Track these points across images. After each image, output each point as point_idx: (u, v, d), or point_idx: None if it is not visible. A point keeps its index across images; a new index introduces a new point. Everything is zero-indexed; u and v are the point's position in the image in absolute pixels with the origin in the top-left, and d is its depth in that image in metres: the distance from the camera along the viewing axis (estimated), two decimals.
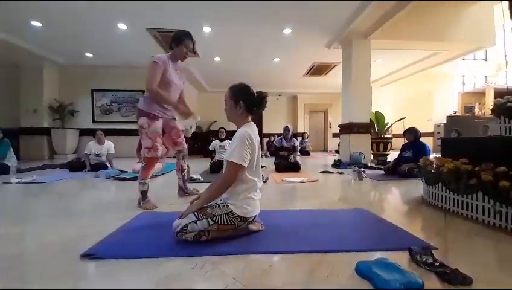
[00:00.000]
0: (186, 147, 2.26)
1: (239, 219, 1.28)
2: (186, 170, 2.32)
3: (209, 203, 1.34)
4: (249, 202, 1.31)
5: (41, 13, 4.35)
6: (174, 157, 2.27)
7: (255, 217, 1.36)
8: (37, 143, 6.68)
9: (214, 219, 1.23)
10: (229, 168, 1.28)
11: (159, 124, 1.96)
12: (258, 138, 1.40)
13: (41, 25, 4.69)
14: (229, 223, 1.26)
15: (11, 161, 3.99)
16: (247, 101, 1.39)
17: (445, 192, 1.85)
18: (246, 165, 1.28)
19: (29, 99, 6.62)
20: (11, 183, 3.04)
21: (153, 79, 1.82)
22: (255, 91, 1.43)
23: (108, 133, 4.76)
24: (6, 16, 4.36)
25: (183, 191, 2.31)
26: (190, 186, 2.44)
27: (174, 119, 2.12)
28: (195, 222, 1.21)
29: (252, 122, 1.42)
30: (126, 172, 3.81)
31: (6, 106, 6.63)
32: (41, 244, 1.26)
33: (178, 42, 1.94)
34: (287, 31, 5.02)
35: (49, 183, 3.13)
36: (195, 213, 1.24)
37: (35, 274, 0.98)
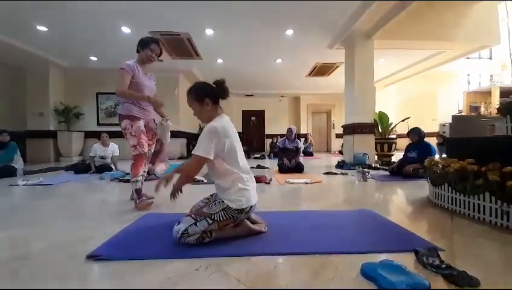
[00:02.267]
0: (151, 151, 2.28)
1: (236, 212, 1.28)
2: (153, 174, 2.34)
3: (205, 203, 1.36)
4: (242, 193, 1.31)
5: (46, 18, 4.42)
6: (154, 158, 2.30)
7: (251, 207, 1.34)
8: (43, 146, 6.77)
9: (212, 217, 1.24)
10: (192, 160, 1.31)
11: (140, 123, 2.04)
12: (234, 128, 1.40)
13: (46, 29, 4.77)
14: (228, 217, 1.27)
15: (18, 163, 4.05)
16: (211, 95, 1.39)
17: (452, 193, 1.83)
18: (211, 158, 1.27)
19: (35, 103, 6.73)
20: (17, 185, 3.08)
21: (121, 83, 1.92)
22: (211, 83, 1.43)
23: (113, 135, 4.81)
24: (12, 20, 4.44)
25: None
26: (193, 187, 2.45)
27: (154, 121, 2.21)
28: (195, 224, 1.21)
29: (223, 114, 1.42)
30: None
31: (13, 109, 6.73)
32: (47, 246, 1.27)
33: (144, 46, 2.03)
34: (289, 32, 5.03)
35: (55, 185, 3.17)
36: (193, 216, 1.25)
37: (42, 275, 0.99)
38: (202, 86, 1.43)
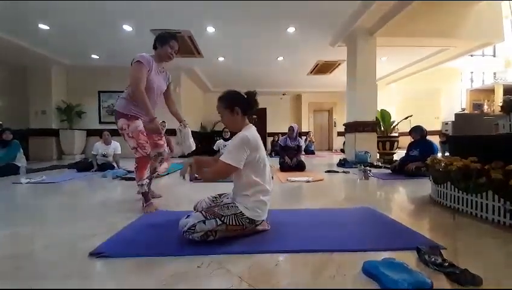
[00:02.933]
0: (166, 150, 2.19)
1: (248, 221, 1.28)
2: (156, 174, 2.25)
3: (217, 203, 1.35)
4: (260, 206, 1.32)
5: (48, 16, 4.42)
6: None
7: (263, 221, 1.36)
8: (46, 144, 6.81)
9: (222, 219, 1.23)
10: (221, 167, 1.29)
11: (138, 122, 1.88)
12: (260, 140, 1.40)
13: (48, 27, 4.78)
14: (238, 223, 1.26)
15: (21, 161, 4.08)
16: (242, 105, 1.39)
17: (454, 191, 1.82)
18: (241, 167, 1.28)
19: (37, 101, 6.77)
20: (20, 183, 3.10)
21: (140, 80, 1.75)
22: (243, 93, 1.43)
23: (115, 133, 4.81)
24: (14, 19, 4.45)
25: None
26: (197, 185, 2.45)
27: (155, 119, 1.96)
28: (204, 221, 1.21)
29: (251, 124, 1.43)
30: (133, 172, 3.84)
31: (15, 107, 6.77)
32: (50, 243, 1.28)
33: (163, 42, 1.87)
34: (291, 29, 5.00)
35: (58, 183, 3.19)
36: (203, 213, 1.25)
37: (45, 273, 1.00)
38: (234, 94, 1.42)
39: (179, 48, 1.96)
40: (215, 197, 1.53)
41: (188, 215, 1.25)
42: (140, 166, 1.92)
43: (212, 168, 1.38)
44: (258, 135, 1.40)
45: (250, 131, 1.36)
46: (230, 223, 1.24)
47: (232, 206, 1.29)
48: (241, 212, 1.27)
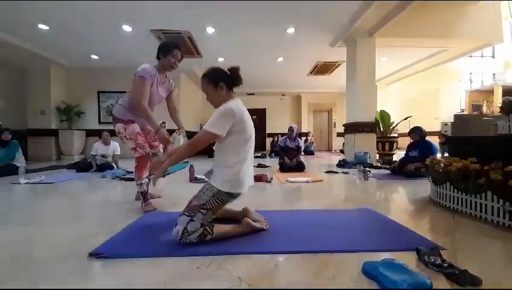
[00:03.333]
0: (161, 150, 2.23)
1: (227, 195, 1.29)
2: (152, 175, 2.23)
3: (194, 195, 1.30)
4: (237, 177, 1.31)
5: (47, 17, 4.42)
6: None
7: (240, 194, 1.36)
8: (45, 144, 6.80)
9: (204, 207, 1.24)
10: (203, 134, 1.28)
11: (135, 125, 1.94)
12: (247, 112, 1.40)
13: (47, 28, 4.77)
14: (219, 202, 1.28)
15: (20, 161, 4.07)
16: (226, 81, 1.40)
17: (454, 192, 1.82)
18: (223, 135, 1.27)
19: (36, 101, 6.75)
20: (19, 183, 3.09)
21: (143, 96, 1.76)
22: (226, 70, 1.44)
23: (114, 134, 4.80)
24: (13, 19, 4.44)
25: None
26: (197, 185, 2.44)
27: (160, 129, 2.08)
28: (191, 220, 1.21)
29: (237, 98, 1.42)
30: (132, 172, 3.84)
31: (14, 107, 6.75)
32: (49, 244, 1.28)
33: (166, 52, 1.87)
34: (291, 30, 5.00)
35: (57, 183, 3.18)
36: (187, 213, 1.24)
37: (44, 273, 1.00)
38: (217, 70, 1.44)
39: (182, 55, 1.94)
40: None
41: (176, 224, 1.24)
42: (140, 165, 1.95)
43: (189, 141, 1.34)
44: (245, 108, 1.39)
45: (235, 103, 1.35)
46: (213, 206, 1.25)
47: (207, 189, 1.29)
48: (218, 190, 1.27)
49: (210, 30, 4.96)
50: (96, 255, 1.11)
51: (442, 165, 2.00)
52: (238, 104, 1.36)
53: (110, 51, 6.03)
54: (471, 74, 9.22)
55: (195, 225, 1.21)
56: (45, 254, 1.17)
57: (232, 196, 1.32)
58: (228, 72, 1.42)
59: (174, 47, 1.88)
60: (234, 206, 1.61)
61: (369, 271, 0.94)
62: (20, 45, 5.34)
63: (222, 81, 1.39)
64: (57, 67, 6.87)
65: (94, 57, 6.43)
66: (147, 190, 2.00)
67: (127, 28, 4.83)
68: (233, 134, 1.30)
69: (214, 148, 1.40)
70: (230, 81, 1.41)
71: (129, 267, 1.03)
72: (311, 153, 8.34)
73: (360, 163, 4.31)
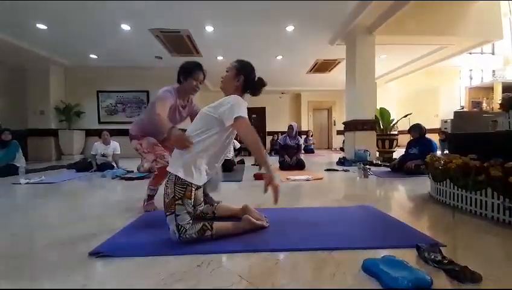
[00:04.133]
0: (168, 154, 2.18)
1: (186, 183, 1.24)
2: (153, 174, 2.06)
3: (164, 195, 1.26)
4: (197, 171, 1.26)
5: (46, 16, 4.40)
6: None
7: (198, 187, 1.34)
8: (45, 144, 6.80)
9: (176, 197, 1.21)
10: (242, 124, 1.21)
11: (149, 138, 1.91)
12: None
13: (46, 27, 4.76)
14: (184, 187, 1.23)
15: (20, 162, 4.06)
16: (247, 79, 1.40)
17: (453, 189, 1.82)
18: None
19: (36, 101, 6.74)
20: (19, 183, 3.10)
21: (163, 108, 1.61)
22: (257, 76, 1.44)
23: (114, 133, 4.81)
24: (12, 19, 4.43)
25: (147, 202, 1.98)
26: None
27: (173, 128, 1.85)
28: (176, 216, 1.20)
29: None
30: (132, 172, 3.85)
31: (14, 108, 6.75)
32: (49, 243, 1.28)
33: (187, 75, 1.74)
34: (290, 28, 4.99)
35: (57, 183, 3.18)
36: (167, 213, 1.22)
37: (44, 273, 1.00)
38: (250, 67, 1.44)
39: (204, 75, 1.82)
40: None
41: (168, 227, 1.23)
42: (159, 174, 1.88)
43: (247, 129, 1.24)
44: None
45: (245, 102, 1.33)
46: (182, 193, 1.22)
47: (167, 182, 1.26)
48: (177, 177, 1.23)
49: (209, 29, 4.95)
50: (96, 254, 1.11)
51: (442, 162, 2.00)
52: (245, 103, 1.33)
53: (109, 50, 6.01)
54: (470, 70, 9.20)
55: (183, 217, 1.20)
56: (45, 254, 1.17)
57: (190, 185, 1.25)
58: (256, 78, 1.42)
59: (196, 69, 1.76)
60: (234, 204, 1.61)
61: (369, 268, 0.94)
62: (19, 45, 5.34)
63: (244, 77, 1.39)
64: (56, 67, 6.86)
65: (93, 56, 6.42)
66: (155, 194, 1.96)
67: (125, 27, 4.82)
68: (222, 131, 1.28)
69: (188, 131, 1.33)
70: (251, 84, 1.42)
71: (129, 266, 1.03)
72: (311, 151, 8.34)
73: (360, 161, 4.32)
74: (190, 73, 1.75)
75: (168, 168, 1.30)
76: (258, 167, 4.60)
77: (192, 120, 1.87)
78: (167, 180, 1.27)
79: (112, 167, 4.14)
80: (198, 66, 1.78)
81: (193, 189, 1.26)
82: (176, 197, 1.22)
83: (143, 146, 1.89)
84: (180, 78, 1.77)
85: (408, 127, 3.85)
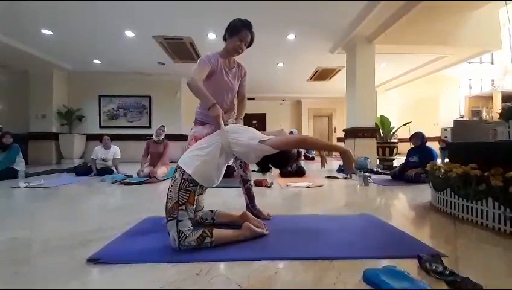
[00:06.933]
0: None
1: (191, 185, 1.24)
2: (249, 183, 1.83)
3: (167, 198, 1.26)
4: (207, 172, 1.27)
5: (51, 22, 4.48)
6: None
7: (204, 188, 1.35)
8: (46, 148, 6.80)
9: (179, 202, 1.21)
10: (274, 144, 1.24)
11: (199, 128, 1.73)
12: None
13: (51, 33, 4.83)
14: (188, 192, 1.23)
15: (20, 165, 4.06)
16: (274, 159, 1.41)
17: (454, 198, 1.82)
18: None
19: (38, 105, 6.77)
20: (19, 187, 3.09)
21: (196, 73, 1.51)
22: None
23: (115, 138, 4.82)
24: (17, 24, 4.50)
25: (248, 209, 1.80)
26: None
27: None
28: (178, 221, 1.19)
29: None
30: (132, 176, 3.84)
31: (16, 111, 6.78)
32: (47, 248, 1.27)
33: (233, 32, 1.59)
34: (291, 36, 5.06)
35: (56, 187, 3.17)
36: (169, 218, 1.21)
37: (42, 278, 0.99)
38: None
39: (252, 39, 1.66)
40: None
41: (169, 232, 1.22)
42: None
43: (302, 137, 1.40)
44: None
45: None
46: (186, 199, 1.22)
47: (172, 186, 1.25)
48: (183, 179, 1.23)
49: (211, 36, 5.02)
50: (94, 260, 1.10)
51: (442, 171, 2.00)
52: None
53: (112, 55, 6.08)
54: (470, 79, 9.27)
55: (184, 223, 1.20)
56: (43, 259, 1.16)
57: (196, 184, 1.26)
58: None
59: (243, 27, 1.60)
60: (234, 210, 1.61)
61: (370, 278, 0.93)
62: (23, 49, 5.40)
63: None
64: (59, 72, 6.92)
65: (96, 61, 6.49)
66: None
67: (129, 33, 4.89)
68: (226, 154, 1.32)
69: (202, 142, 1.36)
70: (274, 160, 1.41)
71: (128, 273, 1.02)
72: (312, 159, 8.33)
73: (360, 168, 4.30)
74: (236, 31, 1.60)
75: (179, 162, 1.30)
76: (257, 172, 4.60)
77: (239, 86, 1.86)
78: (172, 185, 1.27)
79: (112, 172, 4.13)
80: (247, 26, 1.62)
81: (196, 195, 1.27)
82: (180, 202, 1.22)
83: (191, 131, 1.74)
84: (226, 36, 1.64)
85: (408, 135, 3.86)
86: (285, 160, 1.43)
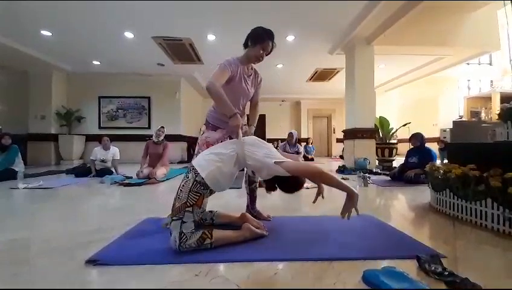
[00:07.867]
0: None
1: (202, 187, 1.24)
2: (255, 184, 1.82)
3: (175, 197, 1.28)
4: (220, 178, 1.28)
5: (51, 23, 4.48)
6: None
7: (212, 192, 1.34)
8: (45, 149, 6.79)
9: (188, 204, 1.21)
10: (287, 167, 1.26)
11: (211, 133, 1.73)
12: None
13: (50, 34, 4.83)
14: (198, 195, 1.24)
15: (19, 166, 4.05)
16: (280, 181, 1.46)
17: (453, 198, 1.82)
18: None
19: (37, 106, 6.78)
20: (18, 188, 3.08)
21: (216, 77, 1.52)
22: None
23: (114, 139, 4.82)
24: (17, 25, 4.50)
25: (248, 210, 1.81)
26: None
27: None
28: (182, 222, 1.19)
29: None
30: (131, 177, 3.84)
31: (15, 112, 6.77)
32: (46, 250, 1.27)
33: (256, 41, 1.61)
34: (290, 37, 5.08)
35: (55, 188, 3.17)
36: (175, 218, 1.22)
37: (41, 280, 0.99)
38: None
39: (272, 48, 1.67)
40: None
41: (171, 233, 1.22)
42: None
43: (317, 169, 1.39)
44: None
45: None
46: (195, 201, 1.22)
47: (183, 186, 1.25)
48: (195, 181, 1.23)
49: (211, 37, 5.03)
50: (93, 262, 1.10)
51: (441, 171, 2.00)
52: None
53: (112, 57, 6.09)
54: (468, 80, 9.30)
55: (188, 225, 1.19)
56: (42, 260, 1.16)
57: (207, 188, 1.26)
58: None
59: (267, 37, 1.61)
60: (234, 211, 1.60)
61: (369, 279, 0.93)
62: (22, 50, 5.40)
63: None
64: (59, 72, 6.93)
65: (96, 62, 6.50)
66: None
67: (129, 34, 4.89)
68: (236, 165, 1.33)
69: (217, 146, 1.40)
70: (283, 183, 1.44)
71: (127, 274, 1.02)
72: (311, 159, 8.33)
73: (359, 169, 4.31)
74: (261, 40, 1.61)
75: (194, 163, 1.30)
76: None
77: (254, 92, 1.85)
78: (183, 185, 1.27)
79: (111, 173, 4.13)
80: (269, 35, 1.62)
81: (205, 198, 1.28)
82: (188, 203, 1.22)
83: (202, 136, 1.74)
84: (248, 43, 1.65)
85: (407, 136, 3.87)
86: (295, 185, 1.46)
